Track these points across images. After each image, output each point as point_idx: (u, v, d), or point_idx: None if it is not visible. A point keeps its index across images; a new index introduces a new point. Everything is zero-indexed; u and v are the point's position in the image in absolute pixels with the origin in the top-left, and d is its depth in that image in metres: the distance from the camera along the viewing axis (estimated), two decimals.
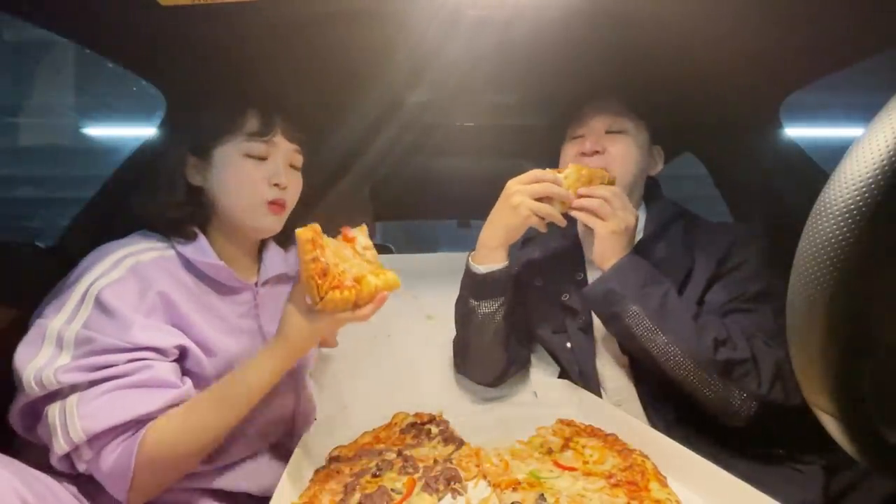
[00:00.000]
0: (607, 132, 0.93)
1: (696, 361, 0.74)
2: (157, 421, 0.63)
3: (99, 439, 0.61)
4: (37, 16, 0.77)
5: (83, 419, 0.60)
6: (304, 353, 0.70)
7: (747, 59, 0.93)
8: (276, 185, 0.77)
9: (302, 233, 0.64)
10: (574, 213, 0.84)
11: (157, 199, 0.77)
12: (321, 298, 0.63)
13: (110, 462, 0.61)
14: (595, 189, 0.83)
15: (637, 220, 0.84)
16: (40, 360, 0.61)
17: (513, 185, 0.85)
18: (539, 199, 0.83)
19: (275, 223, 0.80)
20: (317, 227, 0.65)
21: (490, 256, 0.89)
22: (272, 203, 0.78)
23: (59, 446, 0.59)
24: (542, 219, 0.84)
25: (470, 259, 0.92)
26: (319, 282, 0.63)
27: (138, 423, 0.62)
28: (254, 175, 0.77)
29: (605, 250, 0.83)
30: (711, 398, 0.75)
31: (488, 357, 0.96)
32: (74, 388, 0.61)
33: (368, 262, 0.71)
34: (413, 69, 0.99)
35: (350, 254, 0.70)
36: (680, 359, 0.75)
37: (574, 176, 0.83)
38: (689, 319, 0.76)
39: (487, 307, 0.91)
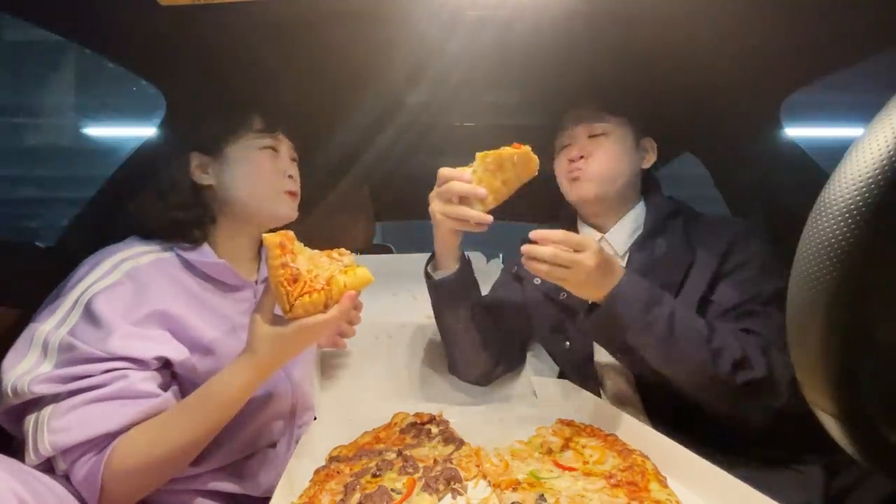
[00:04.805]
0: (590, 136, 0.94)
1: (715, 384, 0.73)
2: (127, 434, 0.61)
3: (70, 453, 0.60)
4: (37, 16, 0.77)
5: (52, 434, 0.59)
6: (276, 367, 0.66)
7: (748, 59, 0.93)
8: (290, 176, 0.85)
9: (269, 237, 0.62)
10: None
11: (162, 203, 0.78)
12: (291, 306, 0.61)
13: (81, 475, 0.60)
14: (532, 251, 0.73)
15: (600, 246, 0.74)
16: (22, 366, 0.61)
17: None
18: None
19: (293, 210, 0.86)
20: (289, 233, 0.64)
21: (441, 262, 0.90)
22: (288, 192, 0.84)
23: (30, 459, 0.59)
24: (467, 221, 0.77)
25: (428, 265, 0.93)
26: (289, 288, 0.61)
27: (109, 437, 0.61)
28: (270, 166, 0.83)
29: (584, 295, 0.77)
30: (728, 412, 0.75)
31: (468, 357, 0.97)
32: (48, 399, 0.60)
33: (345, 265, 0.68)
34: (413, 69, 0.99)
35: (327, 262, 0.67)
36: (697, 381, 0.74)
37: (481, 167, 0.77)
38: (702, 344, 0.73)
39: (450, 312, 0.93)
